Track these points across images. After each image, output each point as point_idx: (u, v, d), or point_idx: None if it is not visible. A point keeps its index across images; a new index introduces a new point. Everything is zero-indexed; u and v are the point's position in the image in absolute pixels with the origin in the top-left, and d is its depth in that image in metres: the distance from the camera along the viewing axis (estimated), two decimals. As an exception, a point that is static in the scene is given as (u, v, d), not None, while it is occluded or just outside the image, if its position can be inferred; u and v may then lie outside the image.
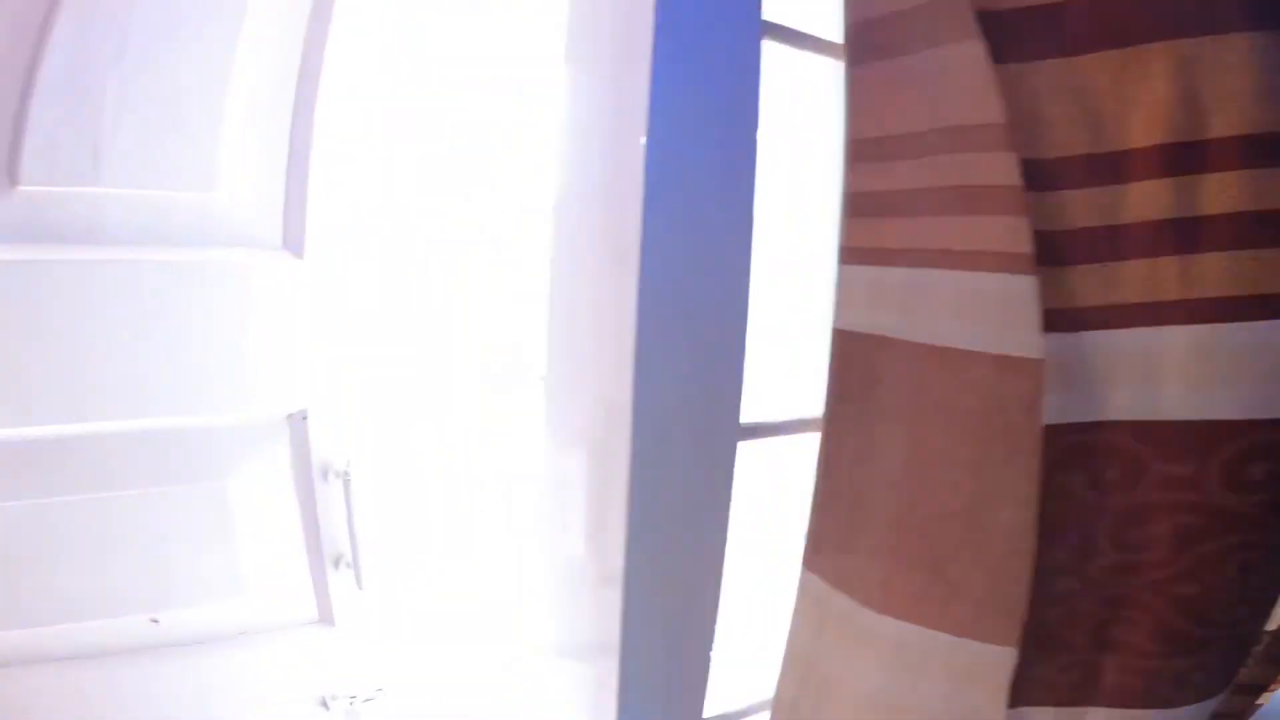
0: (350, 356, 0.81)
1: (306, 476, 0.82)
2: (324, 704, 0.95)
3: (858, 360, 0.51)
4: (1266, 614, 0.47)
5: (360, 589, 0.89)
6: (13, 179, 0.64)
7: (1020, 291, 0.43)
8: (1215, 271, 0.40)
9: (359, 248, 0.82)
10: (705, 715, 0.55)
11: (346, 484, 0.84)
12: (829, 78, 0.55)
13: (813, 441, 0.54)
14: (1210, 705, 0.47)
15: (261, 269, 0.73)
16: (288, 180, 0.72)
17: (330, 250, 0.74)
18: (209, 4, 0.67)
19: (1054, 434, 0.43)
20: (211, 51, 0.67)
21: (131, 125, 0.66)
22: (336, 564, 0.89)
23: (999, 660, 0.46)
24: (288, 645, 0.90)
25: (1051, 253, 0.42)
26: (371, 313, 0.84)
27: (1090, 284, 0.43)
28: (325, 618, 0.92)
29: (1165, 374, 0.41)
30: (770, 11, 0.50)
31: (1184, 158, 0.40)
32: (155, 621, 0.83)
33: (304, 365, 0.78)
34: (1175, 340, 0.41)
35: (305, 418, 0.79)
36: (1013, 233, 0.43)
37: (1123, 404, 0.43)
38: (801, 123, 0.60)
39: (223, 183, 0.70)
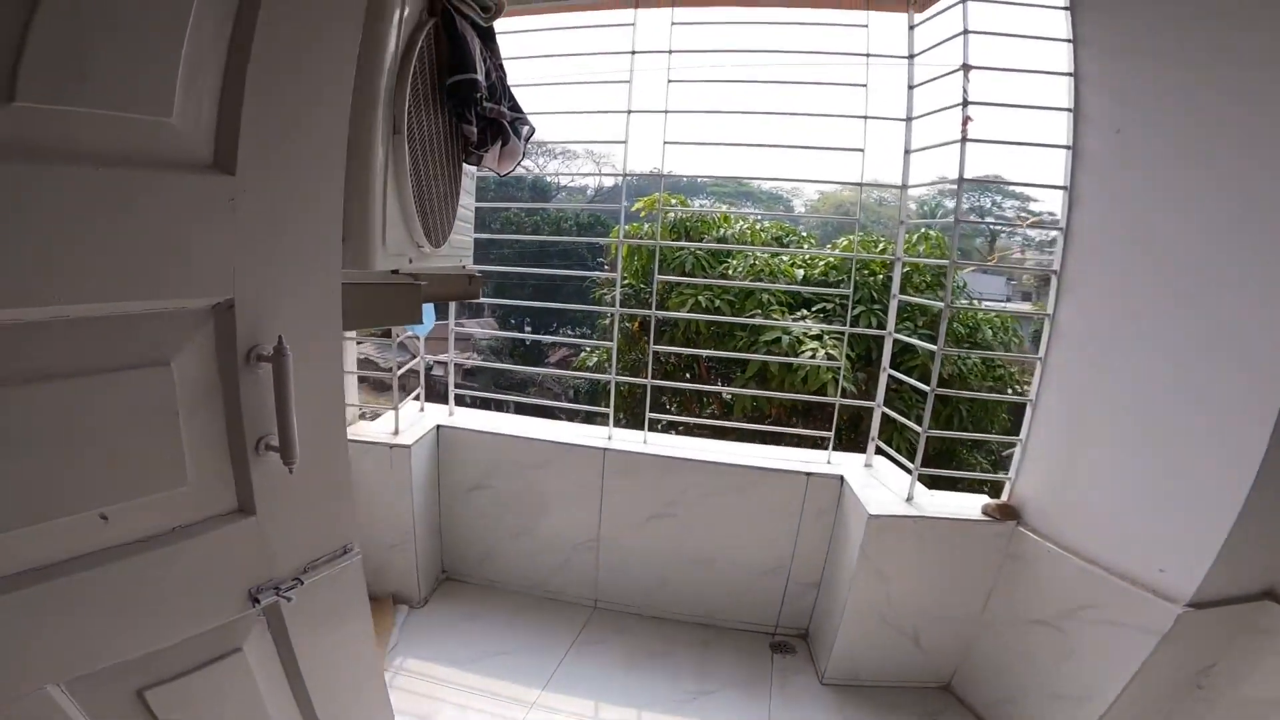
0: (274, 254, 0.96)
1: (232, 362, 0.91)
2: (252, 599, 0.98)
3: None
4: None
5: (290, 473, 0.96)
6: (9, 95, 0.69)
7: None
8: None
9: (281, 166, 0.96)
10: None
11: (280, 363, 0.93)
12: None
13: None
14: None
15: (199, 184, 0.85)
16: (220, 108, 0.87)
17: (256, 167, 0.91)
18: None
19: None
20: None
21: (111, 54, 0.74)
22: (258, 447, 0.96)
23: None
24: (215, 538, 0.93)
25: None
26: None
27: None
28: (246, 507, 0.96)
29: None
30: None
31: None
32: (104, 519, 0.82)
33: (232, 262, 0.90)
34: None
35: (231, 306, 0.90)
36: None
37: None
38: None
39: (174, 109, 0.82)
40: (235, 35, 0.87)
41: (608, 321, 6.42)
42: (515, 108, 1.75)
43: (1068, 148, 2.06)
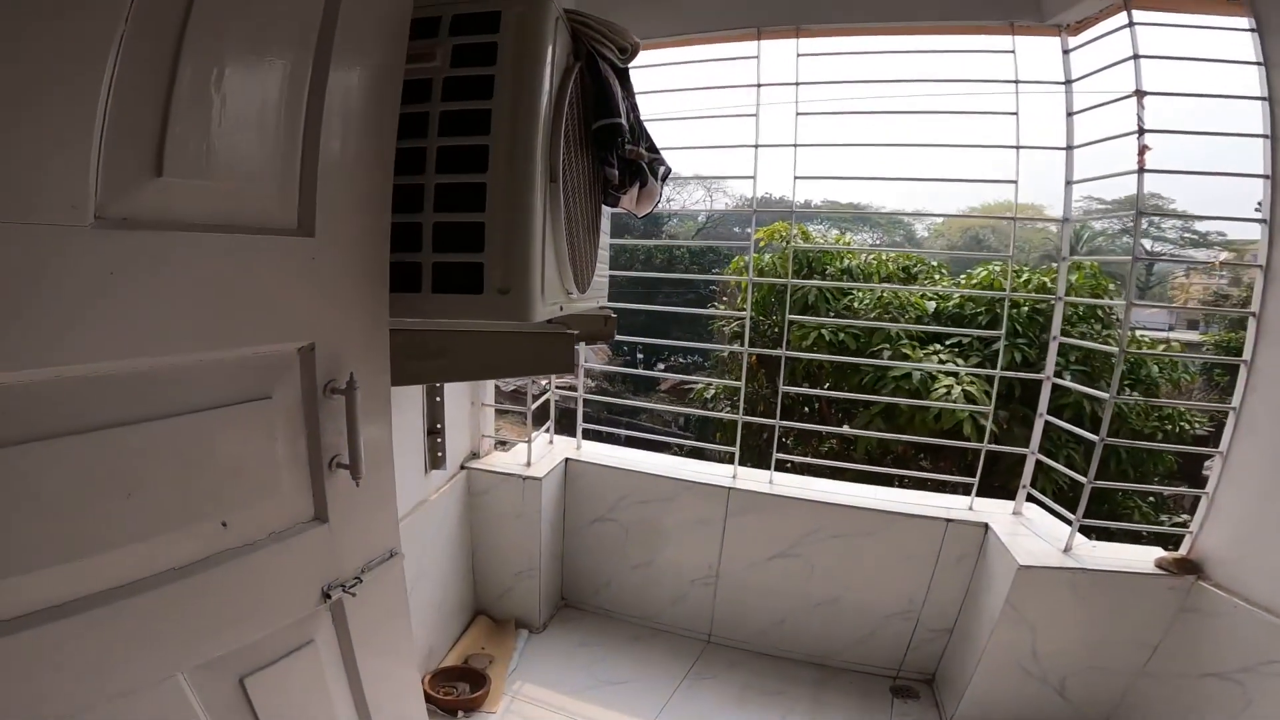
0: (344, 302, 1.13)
1: (313, 394, 1.06)
2: (324, 594, 1.11)
3: None
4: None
5: (357, 486, 1.10)
6: (158, 170, 0.84)
7: None
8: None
9: (346, 225, 1.11)
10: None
11: (351, 395, 1.07)
12: None
13: None
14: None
15: (290, 246, 1.01)
16: (301, 178, 1.02)
17: (329, 228, 1.06)
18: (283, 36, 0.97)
19: None
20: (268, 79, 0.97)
21: (221, 132, 0.91)
22: (330, 465, 1.09)
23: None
24: (298, 542, 1.06)
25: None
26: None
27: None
28: (321, 515, 1.10)
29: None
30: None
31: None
32: (225, 525, 0.96)
33: (313, 310, 1.06)
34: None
35: (313, 349, 1.05)
36: None
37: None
38: None
39: (264, 179, 0.98)
40: (309, 118, 1.02)
41: (727, 355, 6.38)
42: (652, 148, 1.80)
43: (1266, 176, 1.84)
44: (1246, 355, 1.89)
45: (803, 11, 2.44)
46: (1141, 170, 1.95)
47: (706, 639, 2.75)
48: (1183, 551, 2.02)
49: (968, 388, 4.18)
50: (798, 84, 2.47)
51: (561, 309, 1.47)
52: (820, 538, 2.53)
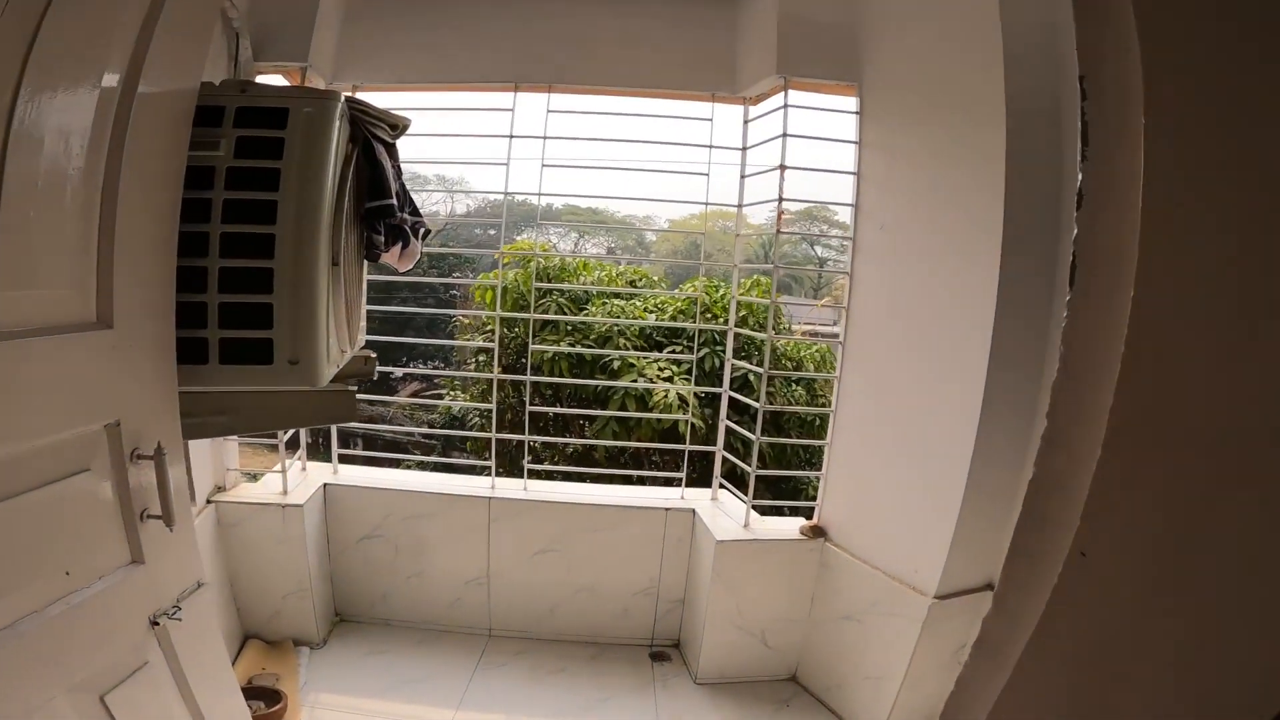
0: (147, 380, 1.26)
1: (121, 461, 1.19)
2: (154, 622, 1.27)
3: None
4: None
5: (170, 531, 1.26)
6: None
7: None
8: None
9: (140, 314, 1.24)
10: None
11: (160, 460, 1.22)
12: None
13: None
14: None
15: (86, 340, 1.13)
16: (99, 277, 1.14)
17: (125, 318, 1.19)
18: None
19: None
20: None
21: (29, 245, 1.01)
22: (142, 516, 1.24)
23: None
24: (123, 579, 1.21)
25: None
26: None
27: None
28: (138, 558, 1.24)
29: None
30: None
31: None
32: (68, 574, 1.09)
33: (115, 392, 1.19)
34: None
35: (119, 424, 1.19)
36: None
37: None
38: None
39: (64, 282, 1.10)
40: (103, 221, 1.15)
41: (472, 366, 6.57)
42: (415, 212, 2.02)
43: (850, 239, 2.69)
44: (838, 371, 2.74)
45: (555, 73, 2.86)
46: (779, 232, 2.72)
47: (488, 633, 3.03)
48: (814, 520, 2.82)
49: (681, 391, 5.00)
50: (545, 138, 2.85)
51: (339, 366, 1.65)
52: (573, 533, 2.96)
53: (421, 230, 2.04)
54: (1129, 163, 0.45)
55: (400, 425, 9.17)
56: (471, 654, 2.89)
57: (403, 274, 2.39)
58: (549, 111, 2.89)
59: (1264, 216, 0.43)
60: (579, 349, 5.30)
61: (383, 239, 1.80)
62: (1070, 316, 0.50)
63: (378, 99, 2.67)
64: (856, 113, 2.63)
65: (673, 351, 5.54)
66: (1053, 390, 0.51)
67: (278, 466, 2.76)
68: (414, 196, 2.02)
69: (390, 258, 1.94)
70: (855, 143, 2.64)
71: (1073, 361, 0.50)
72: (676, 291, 6.60)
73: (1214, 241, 0.44)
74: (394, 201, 1.73)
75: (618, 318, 5.70)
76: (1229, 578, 0.46)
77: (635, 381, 5.07)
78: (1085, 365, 0.49)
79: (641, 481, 4.39)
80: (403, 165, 1.96)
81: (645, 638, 3.06)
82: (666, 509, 2.97)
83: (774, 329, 2.97)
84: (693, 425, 4.57)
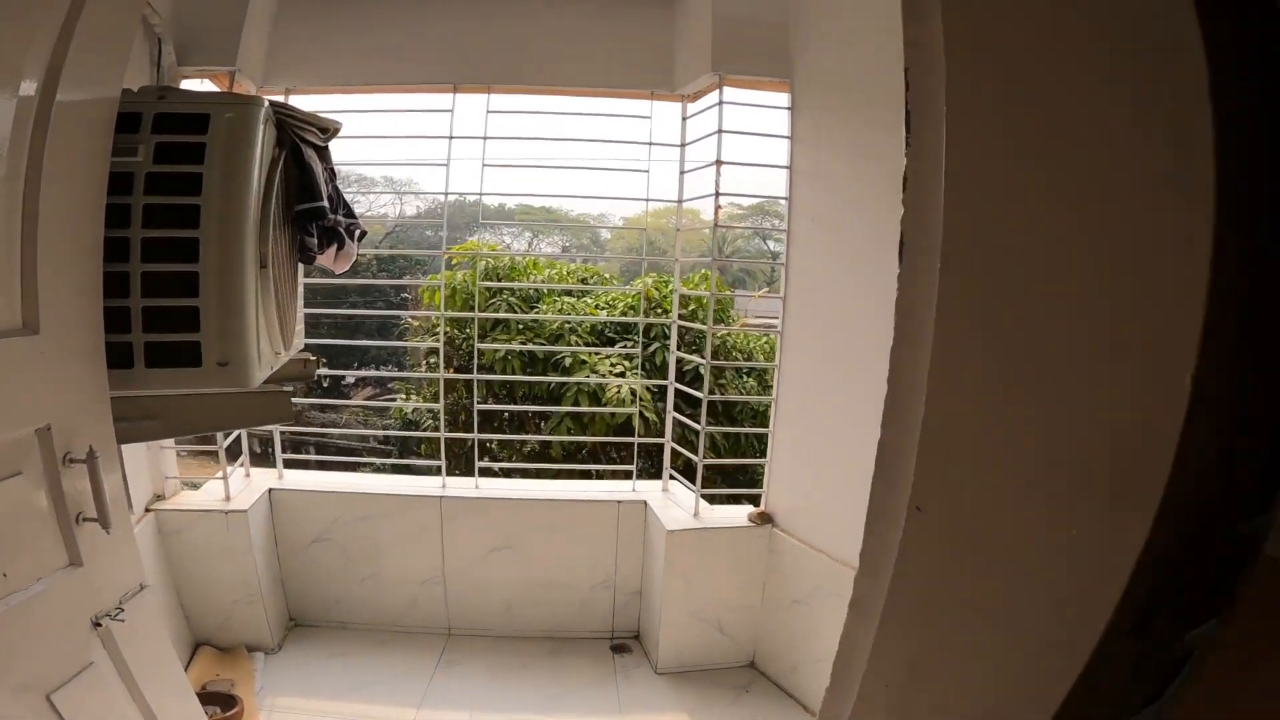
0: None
1: (54, 465, 1.21)
2: (96, 623, 1.29)
3: None
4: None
5: (108, 534, 1.28)
6: None
7: None
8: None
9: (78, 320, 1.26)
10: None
11: (93, 463, 1.23)
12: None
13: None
14: None
15: (12, 346, 1.14)
16: (22, 277, 1.15)
17: (57, 325, 1.20)
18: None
19: None
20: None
21: None
22: (78, 519, 1.25)
23: None
24: (61, 582, 1.22)
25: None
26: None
27: None
28: (75, 560, 1.26)
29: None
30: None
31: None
32: (4, 575, 1.10)
33: (44, 397, 1.20)
34: None
35: (49, 428, 1.20)
36: None
37: None
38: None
39: None
40: (25, 228, 1.15)
41: (423, 368, 6.52)
42: (350, 214, 2.03)
43: (785, 231, 2.78)
44: (777, 360, 2.84)
45: (495, 74, 2.88)
46: (716, 226, 2.80)
47: (448, 632, 3.04)
48: (761, 507, 2.90)
49: (634, 386, 5.07)
50: (486, 134, 2.87)
51: (273, 368, 1.66)
52: (527, 529, 2.99)
53: (357, 232, 2.05)
54: (937, 148, 0.52)
55: (356, 430, 9.04)
56: (431, 654, 2.89)
57: (340, 276, 2.39)
58: (489, 112, 2.91)
59: (1042, 191, 0.50)
60: (530, 347, 5.32)
61: (315, 241, 1.80)
62: (900, 290, 0.57)
63: (314, 102, 2.68)
64: (789, 108, 2.71)
65: (625, 347, 5.60)
66: (890, 358, 0.58)
67: (220, 474, 2.72)
68: (358, 199, 2.04)
69: (325, 260, 1.95)
70: (788, 138, 2.72)
71: (905, 330, 0.57)
72: (627, 288, 6.67)
73: (1006, 217, 0.51)
74: (325, 204, 1.74)
75: (568, 315, 5.74)
76: (1038, 528, 0.53)
77: (588, 378, 5.11)
78: (915, 334, 0.56)
79: (600, 476, 4.45)
80: (349, 168, 1.97)
81: (605, 630, 3.11)
82: (618, 502, 3.03)
83: (722, 321, 3.06)
84: (646, 419, 4.64)
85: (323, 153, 1.87)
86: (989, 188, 0.51)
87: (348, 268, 2.05)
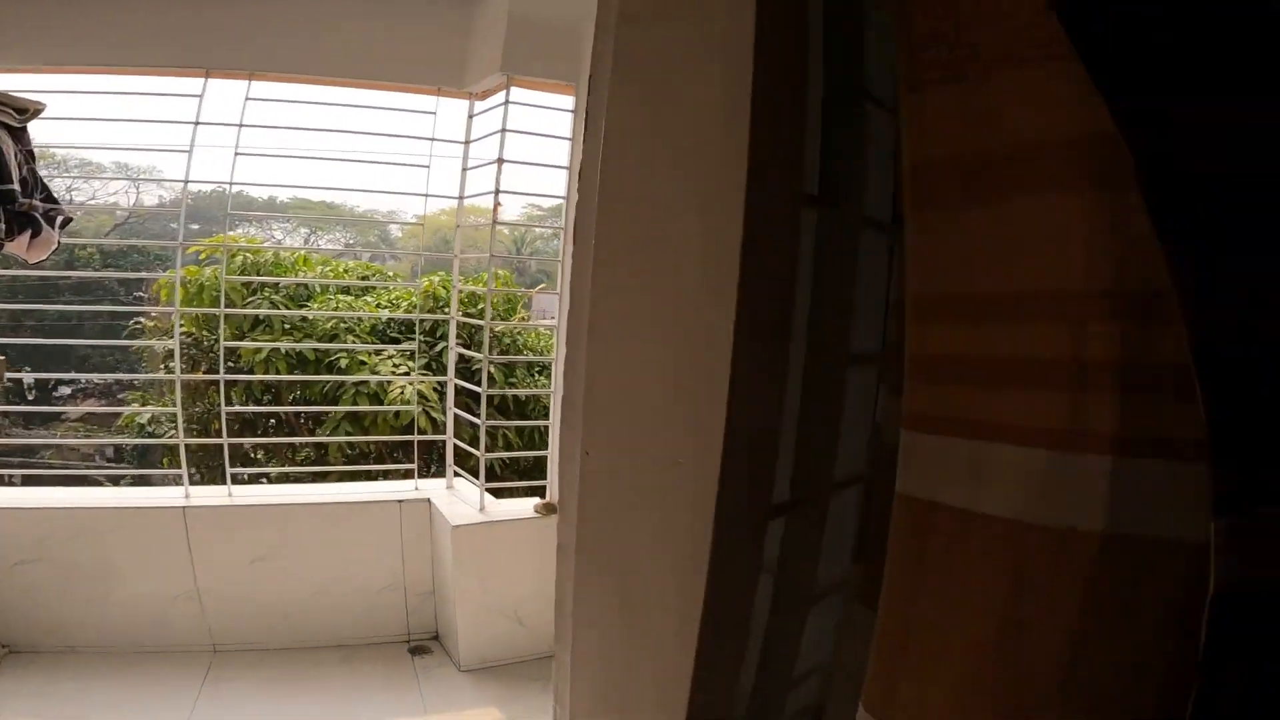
0: None
1: None
2: None
3: (922, 525, 0.53)
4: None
5: None
6: None
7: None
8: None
9: None
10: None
11: None
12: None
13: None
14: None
15: None
16: None
17: None
18: None
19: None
20: None
21: None
22: None
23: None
24: None
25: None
26: None
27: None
28: None
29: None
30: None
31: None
32: None
33: None
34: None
35: None
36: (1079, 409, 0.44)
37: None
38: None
39: None
40: None
41: (162, 370, 5.73)
42: (50, 199, 1.79)
43: (562, 228, 2.92)
44: (555, 354, 2.99)
45: (258, 60, 2.63)
46: (495, 224, 2.89)
47: (212, 649, 2.75)
48: (547, 498, 2.97)
49: (419, 387, 4.93)
50: (240, 126, 2.63)
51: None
52: (293, 536, 2.80)
53: (59, 219, 1.81)
54: (594, 145, 0.67)
55: (76, 441, 7.65)
56: (195, 672, 2.62)
57: (49, 268, 2.08)
58: (248, 99, 2.67)
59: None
60: (300, 346, 4.94)
61: (4, 226, 1.58)
62: (573, 276, 0.71)
63: (30, 82, 2.26)
64: (573, 111, 2.82)
65: (408, 346, 5.43)
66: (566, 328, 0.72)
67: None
68: (78, 184, 1.80)
69: (17, 247, 1.71)
70: (569, 139, 2.85)
71: (574, 304, 0.71)
72: (411, 285, 6.44)
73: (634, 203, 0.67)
74: (15, 187, 1.54)
75: (343, 313, 5.41)
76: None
77: (367, 378, 4.87)
78: (579, 307, 0.71)
79: (386, 476, 4.27)
80: (68, 151, 1.74)
81: (400, 634, 3.01)
82: (400, 501, 2.96)
83: (503, 317, 3.12)
84: (433, 418, 4.55)
85: (18, 134, 1.66)
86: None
87: (45, 256, 1.80)
